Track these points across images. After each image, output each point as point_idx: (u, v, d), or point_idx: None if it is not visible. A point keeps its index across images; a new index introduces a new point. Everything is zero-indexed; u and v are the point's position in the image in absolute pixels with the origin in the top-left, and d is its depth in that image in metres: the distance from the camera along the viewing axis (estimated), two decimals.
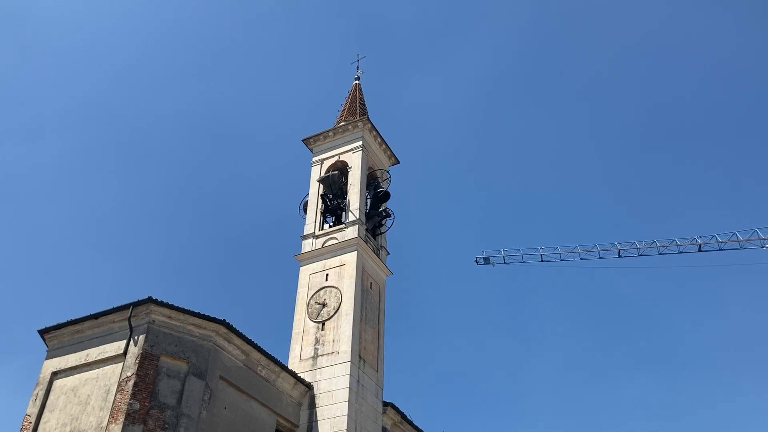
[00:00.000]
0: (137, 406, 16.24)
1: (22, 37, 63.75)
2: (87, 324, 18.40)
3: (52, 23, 65.98)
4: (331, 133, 27.82)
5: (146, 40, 70.37)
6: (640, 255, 39.18)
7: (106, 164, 67.12)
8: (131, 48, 69.41)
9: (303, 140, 28.22)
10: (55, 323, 18.79)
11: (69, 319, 18.60)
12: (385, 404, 22.46)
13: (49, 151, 64.76)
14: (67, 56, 66.57)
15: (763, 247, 36.04)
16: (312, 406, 20.73)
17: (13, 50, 63.34)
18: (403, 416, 23.42)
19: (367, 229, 25.43)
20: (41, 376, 18.50)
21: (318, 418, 20.38)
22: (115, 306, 17.89)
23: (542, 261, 41.99)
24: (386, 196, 27.30)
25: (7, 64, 62.33)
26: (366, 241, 24.64)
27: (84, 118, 66.51)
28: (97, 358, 17.78)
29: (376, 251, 25.40)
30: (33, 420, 17.67)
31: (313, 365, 21.63)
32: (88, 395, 17.30)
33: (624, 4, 73.24)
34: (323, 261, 24.19)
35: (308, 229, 25.56)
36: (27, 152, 63.98)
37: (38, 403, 17.94)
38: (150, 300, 17.54)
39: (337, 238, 24.64)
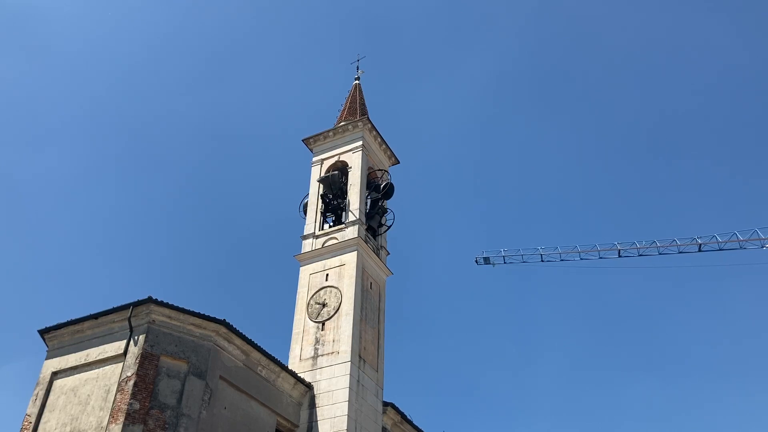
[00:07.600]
0: (137, 406, 16.24)
1: (27, 42, 63.92)
2: (87, 324, 18.40)
3: (55, 28, 66.17)
4: (331, 133, 27.81)
5: (147, 43, 70.46)
6: (640, 255, 39.17)
7: (107, 165, 67.23)
8: (133, 51, 69.51)
9: (303, 140, 28.22)
10: (55, 323, 18.81)
11: (69, 319, 18.63)
12: (385, 404, 22.46)
13: (51, 153, 64.86)
14: (69, 61, 66.72)
15: (763, 247, 36.03)
16: (312, 406, 20.73)
17: (17, 56, 63.51)
18: (403, 416, 23.42)
19: (367, 229, 25.42)
20: (41, 376, 18.50)
21: (318, 418, 20.38)
22: (115, 306, 17.92)
23: (542, 261, 42.04)
24: (386, 195, 27.29)
25: (12, 69, 62.47)
26: (366, 241, 24.62)
27: (84, 119, 66.60)
28: (97, 358, 17.78)
29: (376, 251, 25.39)
30: (33, 420, 17.66)
31: (313, 365, 21.63)
32: (88, 395, 17.30)
33: (624, 9, 73.39)
34: (323, 261, 24.18)
35: (308, 229, 25.55)
36: (29, 154, 64.10)
37: (38, 403, 17.94)
38: (150, 300, 17.55)
39: (337, 238, 24.63)
